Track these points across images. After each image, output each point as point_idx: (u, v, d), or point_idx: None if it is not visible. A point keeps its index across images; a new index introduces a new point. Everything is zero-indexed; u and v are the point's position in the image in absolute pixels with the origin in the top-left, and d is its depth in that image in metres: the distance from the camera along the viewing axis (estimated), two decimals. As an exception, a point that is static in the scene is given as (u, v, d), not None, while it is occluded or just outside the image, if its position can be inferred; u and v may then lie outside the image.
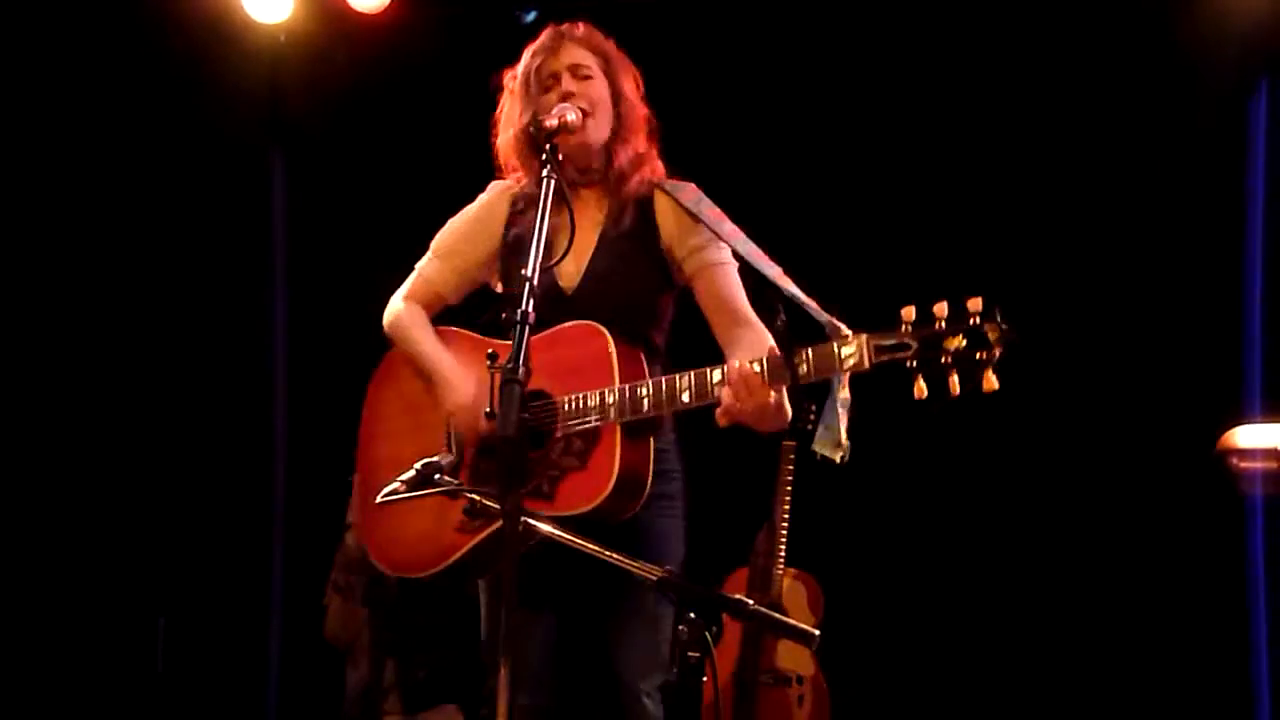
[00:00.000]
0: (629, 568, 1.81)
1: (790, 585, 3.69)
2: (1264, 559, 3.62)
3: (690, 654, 1.73)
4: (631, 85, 2.27)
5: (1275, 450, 2.49)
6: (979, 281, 4.19)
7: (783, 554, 3.65)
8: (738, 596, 1.79)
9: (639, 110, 2.27)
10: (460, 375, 2.17)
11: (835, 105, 3.98)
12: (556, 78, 2.21)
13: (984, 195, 3.95)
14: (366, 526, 2.30)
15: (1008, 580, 3.87)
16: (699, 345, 2.23)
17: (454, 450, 2.16)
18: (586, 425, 2.06)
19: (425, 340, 2.25)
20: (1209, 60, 3.69)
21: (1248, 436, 2.56)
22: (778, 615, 1.82)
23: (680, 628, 1.74)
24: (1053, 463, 3.83)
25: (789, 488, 3.62)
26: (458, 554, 2.14)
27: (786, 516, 3.64)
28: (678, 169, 2.32)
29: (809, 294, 2.02)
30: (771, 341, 2.06)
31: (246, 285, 4.26)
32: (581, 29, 2.28)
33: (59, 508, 4.08)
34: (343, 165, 4.24)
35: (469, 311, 2.37)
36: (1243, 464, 2.57)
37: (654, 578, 1.76)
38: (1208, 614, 3.69)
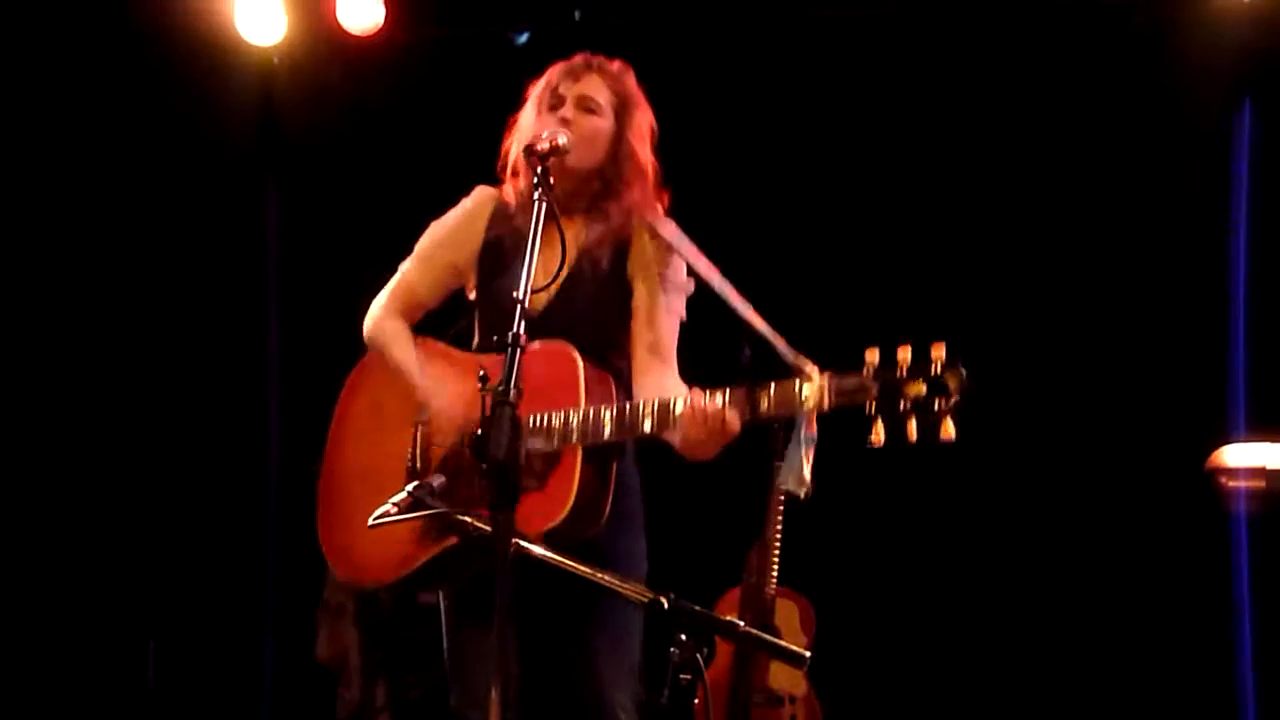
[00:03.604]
0: (622, 590, 1.81)
1: (782, 605, 3.70)
2: (1249, 575, 3.64)
3: (682, 675, 1.74)
4: (640, 134, 2.26)
5: (1261, 469, 2.51)
6: (967, 296, 4.23)
7: (775, 574, 3.66)
8: (729, 618, 1.79)
9: (641, 159, 2.25)
10: (442, 388, 2.18)
11: (817, 138, 4.00)
12: (563, 102, 2.23)
13: (973, 210, 3.98)
14: (323, 531, 2.28)
15: (999, 598, 3.88)
16: (702, 338, 2.23)
17: (419, 464, 2.16)
18: (548, 447, 2.05)
19: (404, 354, 2.25)
20: (1195, 80, 3.73)
21: (1234, 455, 2.59)
22: (769, 636, 1.82)
23: (672, 649, 1.75)
24: (1043, 482, 3.85)
25: (781, 507, 3.63)
26: (414, 566, 2.14)
27: (778, 536, 3.65)
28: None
29: (779, 330, 2.03)
30: (684, 391, 2.09)
31: (240, 306, 4.26)
32: (615, 66, 2.28)
33: (51, 526, 4.07)
34: (336, 186, 4.25)
35: (440, 315, 2.37)
36: (1230, 482, 2.60)
37: (645, 600, 1.77)
38: (1194, 630, 3.70)
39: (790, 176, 4.04)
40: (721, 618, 1.79)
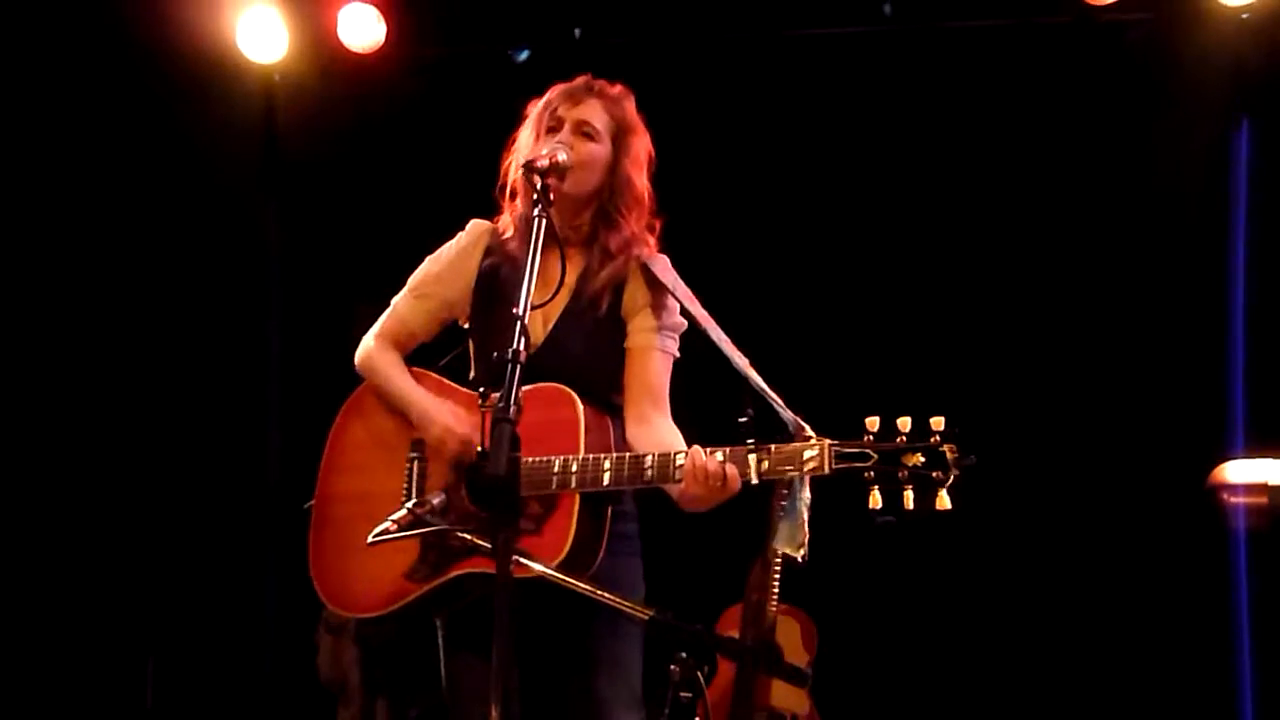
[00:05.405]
0: (621, 607, 1.81)
1: (784, 622, 3.67)
2: (1250, 590, 3.64)
3: (683, 694, 1.73)
4: (637, 162, 2.26)
5: (1263, 485, 2.51)
6: (967, 311, 4.22)
7: (776, 590, 3.64)
8: (730, 635, 1.79)
9: (638, 187, 2.25)
10: (438, 405, 2.19)
11: (817, 159, 4.02)
12: (561, 125, 2.23)
13: (972, 229, 3.99)
14: (314, 559, 2.28)
15: (1002, 613, 3.87)
16: (702, 393, 2.24)
17: (415, 492, 2.16)
18: (545, 490, 2.05)
19: (400, 379, 2.26)
20: (1192, 99, 3.75)
21: (1236, 471, 2.59)
22: (769, 655, 1.82)
23: (672, 667, 1.74)
24: (1045, 498, 3.84)
25: (776, 534, 3.61)
26: (405, 600, 2.14)
27: (780, 552, 3.64)
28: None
29: (774, 387, 2.05)
30: (680, 442, 2.11)
31: (241, 322, 4.27)
32: (616, 91, 2.28)
33: (50, 544, 4.07)
34: (337, 202, 4.26)
35: (435, 348, 2.37)
36: (1232, 498, 2.59)
37: (646, 617, 1.76)
38: (1196, 645, 3.70)
39: (781, 195, 4.06)
40: (722, 635, 1.78)
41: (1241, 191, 3.72)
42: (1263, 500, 2.53)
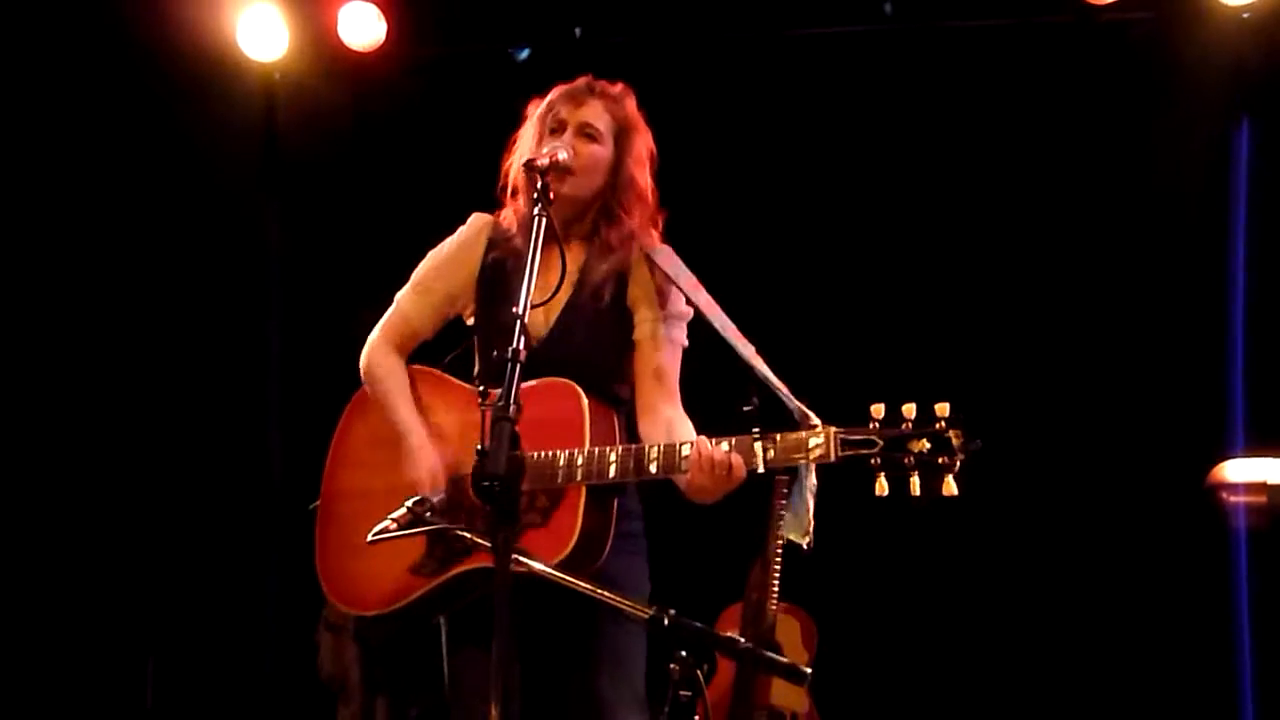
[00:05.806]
0: (621, 606, 1.81)
1: (783, 620, 3.68)
2: (1250, 589, 3.63)
3: (682, 693, 1.73)
4: (639, 161, 2.27)
5: (1262, 484, 2.51)
6: (969, 311, 4.22)
7: (776, 589, 3.64)
8: (729, 634, 1.79)
9: (640, 185, 2.27)
10: (427, 449, 2.17)
11: (817, 158, 4.02)
12: (564, 127, 2.24)
13: (971, 228, 3.99)
14: (320, 557, 2.28)
15: (1002, 612, 3.87)
16: (707, 383, 2.24)
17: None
18: (552, 484, 2.06)
19: (398, 402, 2.25)
20: (1193, 98, 3.75)
21: (1235, 470, 2.59)
22: (769, 653, 1.81)
23: (672, 666, 1.74)
24: (1045, 498, 3.84)
25: (782, 522, 3.62)
26: (412, 597, 2.14)
27: (780, 551, 3.64)
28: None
29: (779, 376, 2.05)
30: (690, 432, 2.11)
31: (242, 322, 4.27)
32: (617, 90, 2.29)
33: (51, 543, 4.07)
34: (337, 201, 4.27)
35: (439, 344, 2.37)
36: (1231, 497, 2.60)
37: (646, 616, 1.76)
38: (1196, 645, 3.69)
39: (783, 193, 4.05)
40: (722, 634, 1.78)
41: (1241, 191, 3.72)
42: (1263, 500, 2.53)
